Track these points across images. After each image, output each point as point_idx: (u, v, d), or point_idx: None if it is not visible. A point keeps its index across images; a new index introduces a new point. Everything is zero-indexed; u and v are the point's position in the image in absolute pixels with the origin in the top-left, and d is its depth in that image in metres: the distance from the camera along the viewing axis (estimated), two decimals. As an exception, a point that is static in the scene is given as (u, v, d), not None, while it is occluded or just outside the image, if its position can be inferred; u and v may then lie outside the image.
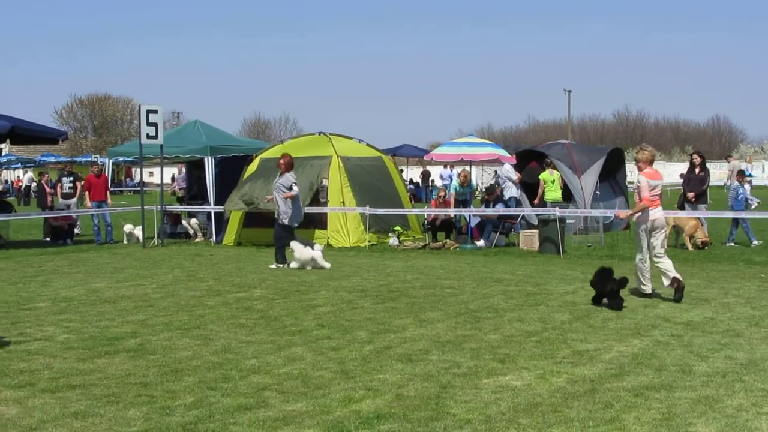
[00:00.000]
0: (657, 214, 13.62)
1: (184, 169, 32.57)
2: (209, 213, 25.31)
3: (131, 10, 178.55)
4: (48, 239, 26.02)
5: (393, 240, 23.31)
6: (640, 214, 13.67)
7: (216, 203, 24.77)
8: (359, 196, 23.39)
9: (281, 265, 18.27)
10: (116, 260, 20.30)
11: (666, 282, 13.60)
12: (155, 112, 23.59)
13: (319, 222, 23.57)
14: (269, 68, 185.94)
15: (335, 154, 23.74)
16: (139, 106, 23.92)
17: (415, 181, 60.77)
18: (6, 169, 73.46)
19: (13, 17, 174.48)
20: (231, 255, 21.27)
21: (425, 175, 59.80)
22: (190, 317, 12.13)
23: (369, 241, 22.82)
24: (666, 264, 13.62)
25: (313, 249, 18.19)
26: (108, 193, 25.99)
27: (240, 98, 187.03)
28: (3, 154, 79.64)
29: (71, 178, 26.82)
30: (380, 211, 23.10)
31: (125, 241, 25.03)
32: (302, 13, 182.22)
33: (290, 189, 18.53)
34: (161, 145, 23.94)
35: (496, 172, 27.31)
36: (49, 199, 30.15)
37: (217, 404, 7.64)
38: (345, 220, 23.24)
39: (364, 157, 25.07)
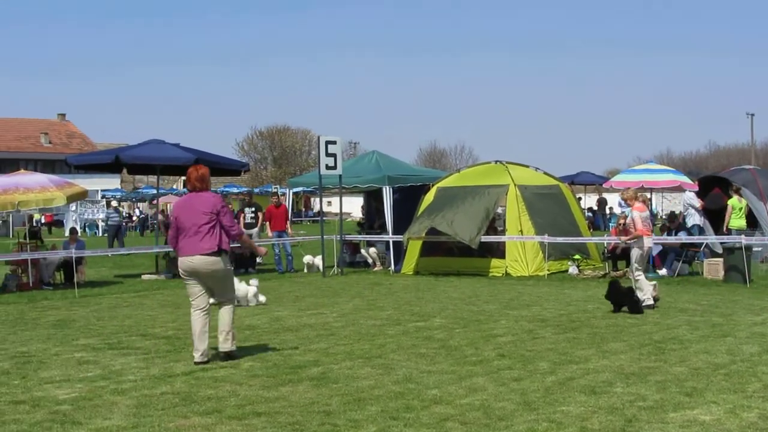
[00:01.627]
0: (649, 242, 16.45)
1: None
2: (387, 242, 25.53)
3: (309, 46, 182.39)
4: (230, 268, 26.60)
5: (572, 269, 23.00)
6: (636, 240, 16.25)
7: (394, 232, 24.96)
8: (537, 224, 23.20)
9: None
10: (297, 289, 20.66)
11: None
12: (334, 143, 23.98)
13: (496, 251, 23.49)
14: (445, 98, 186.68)
15: (512, 183, 23.65)
16: (318, 137, 24.35)
17: (592, 209, 59.88)
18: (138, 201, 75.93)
19: (198, 56, 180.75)
20: (410, 284, 21.36)
21: (601, 202, 58.85)
22: (371, 346, 12.20)
23: (548, 270, 22.58)
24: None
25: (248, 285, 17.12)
26: (288, 222, 26.50)
27: (415, 127, 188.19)
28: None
29: (253, 209, 27.45)
30: (559, 239, 22.84)
31: (305, 270, 25.46)
32: (479, 42, 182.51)
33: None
34: (340, 176, 24.31)
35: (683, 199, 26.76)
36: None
37: (400, 434, 7.65)
38: (523, 248, 23.07)
39: (541, 185, 24.89)
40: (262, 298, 17.23)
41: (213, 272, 11.34)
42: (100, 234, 61.94)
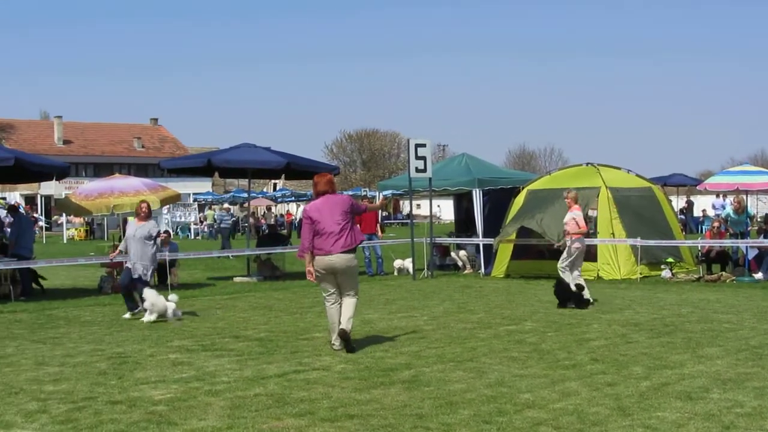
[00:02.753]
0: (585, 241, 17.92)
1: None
2: (477, 245, 25.45)
3: (398, 48, 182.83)
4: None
5: (666, 272, 22.68)
6: (579, 237, 17.36)
7: (484, 235, 24.87)
8: (629, 227, 22.93)
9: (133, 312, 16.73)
10: (388, 292, 20.71)
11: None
12: (423, 145, 23.97)
13: (588, 254, 23.23)
14: (534, 99, 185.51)
15: (604, 185, 23.41)
16: (408, 140, 24.38)
17: (683, 210, 58.91)
18: (280, 202, 76.53)
19: (287, 59, 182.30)
20: (500, 287, 21.27)
21: (689, 204, 57.87)
22: (463, 349, 12.16)
23: (640, 274, 22.30)
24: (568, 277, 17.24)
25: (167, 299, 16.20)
26: (378, 225, 26.54)
27: (504, 130, 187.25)
28: (278, 188, 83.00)
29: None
30: (651, 242, 22.53)
31: (395, 273, 25.49)
32: (569, 44, 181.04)
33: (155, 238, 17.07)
34: (429, 178, 24.30)
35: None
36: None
37: (493, 438, 7.61)
38: (615, 252, 22.83)
39: (633, 187, 24.59)
40: (178, 312, 16.12)
41: (348, 268, 12.27)
42: (193, 236, 62.92)
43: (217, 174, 27.73)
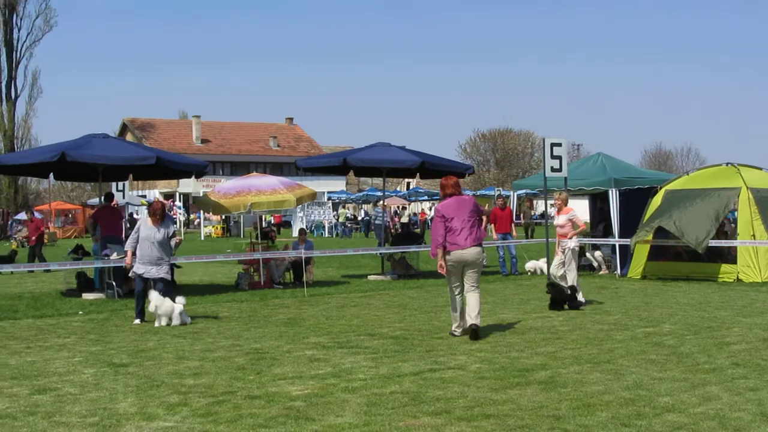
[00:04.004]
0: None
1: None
2: (613, 245, 25.12)
3: (531, 46, 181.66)
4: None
5: (810, 275, 22.00)
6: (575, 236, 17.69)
7: (620, 235, 24.52)
8: (771, 228, 22.30)
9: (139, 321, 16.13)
10: (522, 291, 20.59)
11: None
12: (559, 145, 23.69)
13: (727, 255, 22.73)
14: (671, 98, 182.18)
15: (744, 185, 22.80)
16: (543, 140, 24.16)
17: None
18: (413, 201, 76.83)
19: (422, 56, 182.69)
20: (636, 288, 20.93)
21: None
22: (599, 351, 12.02)
23: (783, 276, 21.69)
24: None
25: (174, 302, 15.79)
26: (513, 225, 26.38)
27: (639, 129, 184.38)
28: (411, 187, 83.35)
29: (477, 211, 27.45)
30: (795, 244, 21.89)
31: (530, 273, 25.31)
32: (705, 43, 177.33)
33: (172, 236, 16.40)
34: (565, 178, 24.04)
35: None
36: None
37: (631, 441, 7.50)
38: (756, 254, 22.22)
39: (775, 188, 23.89)
40: (187, 319, 15.72)
41: (477, 260, 13.49)
42: (326, 234, 63.59)
43: (352, 173, 27.93)
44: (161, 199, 66.77)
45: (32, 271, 28.99)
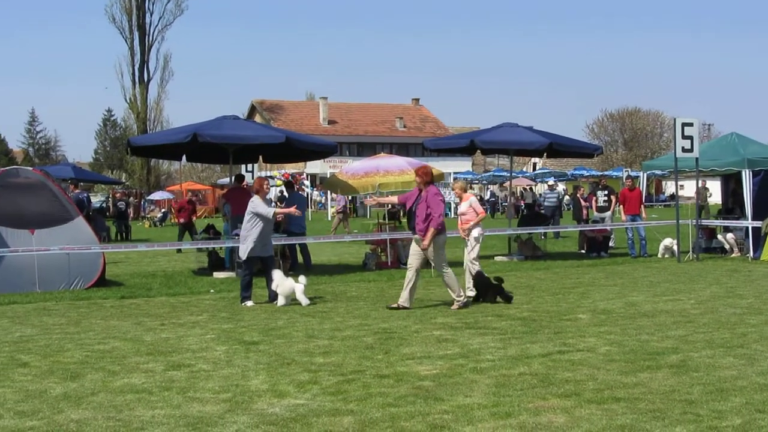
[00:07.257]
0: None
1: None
2: (746, 228, 24.54)
3: (660, 24, 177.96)
4: (583, 251, 26.64)
5: None
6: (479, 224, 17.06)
7: (753, 218, 23.95)
8: None
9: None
10: (651, 274, 20.29)
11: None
12: (690, 125, 23.30)
13: None
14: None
15: None
16: (675, 120, 23.76)
17: None
18: (541, 182, 76.25)
19: (546, 36, 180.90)
20: (770, 272, 20.45)
21: None
22: (732, 335, 11.78)
23: None
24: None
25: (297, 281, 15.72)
26: (642, 206, 25.98)
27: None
28: (538, 168, 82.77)
29: (606, 192, 27.17)
30: None
31: (659, 255, 24.92)
32: None
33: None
34: (696, 158, 23.61)
35: None
36: (585, 212, 30.89)
37: (766, 428, 7.35)
38: None
39: None
40: (304, 299, 15.56)
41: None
42: (452, 215, 63.55)
43: (479, 152, 27.86)
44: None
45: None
